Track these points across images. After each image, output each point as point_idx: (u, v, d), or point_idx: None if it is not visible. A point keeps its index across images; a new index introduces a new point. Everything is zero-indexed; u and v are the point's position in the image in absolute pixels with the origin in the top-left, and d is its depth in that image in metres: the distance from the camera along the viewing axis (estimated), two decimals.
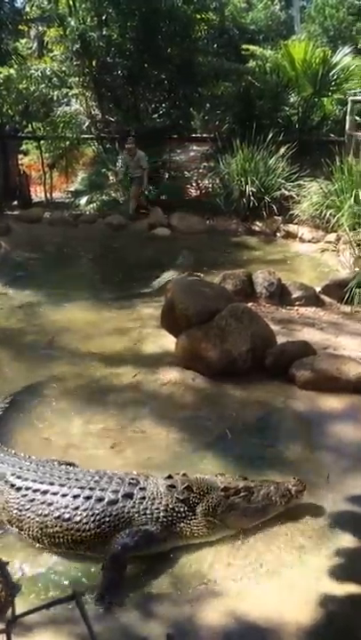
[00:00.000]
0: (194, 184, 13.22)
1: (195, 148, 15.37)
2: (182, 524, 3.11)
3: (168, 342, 5.68)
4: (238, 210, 11.34)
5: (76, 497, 3.15)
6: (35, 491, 3.23)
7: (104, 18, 12.95)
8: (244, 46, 15.61)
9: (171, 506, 3.13)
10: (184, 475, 3.35)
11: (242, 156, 11.52)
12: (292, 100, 13.55)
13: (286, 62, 13.19)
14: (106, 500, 3.11)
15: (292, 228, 10.71)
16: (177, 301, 5.60)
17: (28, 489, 3.26)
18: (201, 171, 13.61)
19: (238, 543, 3.14)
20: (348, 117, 12.48)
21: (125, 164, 11.84)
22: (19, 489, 3.28)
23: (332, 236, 9.57)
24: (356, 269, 7.16)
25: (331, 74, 13.16)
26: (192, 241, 10.50)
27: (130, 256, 9.82)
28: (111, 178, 12.35)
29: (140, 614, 2.71)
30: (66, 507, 3.12)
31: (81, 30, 12.74)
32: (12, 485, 3.31)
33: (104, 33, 13.02)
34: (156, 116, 13.47)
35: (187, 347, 5.35)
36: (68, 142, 13.17)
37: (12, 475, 3.38)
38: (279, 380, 5.01)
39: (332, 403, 4.67)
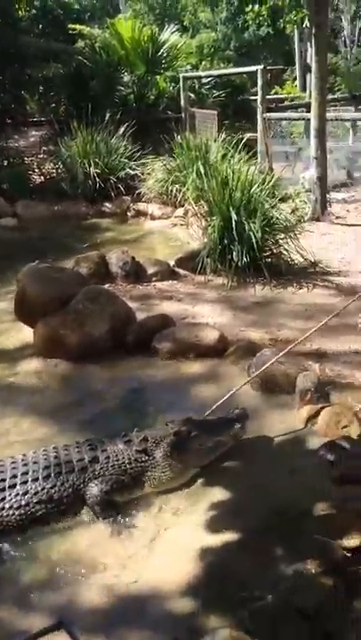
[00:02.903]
0: (37, 170, 12.74)
1: (34, 132, 14.82)
2: (149, 473, 3.37)
3: (26, 334, 5.49)
4: (85, 192, 11.13)
5: (46, 477, 3.21)
6: (1, 490, 3.17)
7: None
8: (71, 26, 15.30)
9: (133, 457, 3.40)
10: (137, 430, 3.59)
11: (82, 138, 11.29)
12: (125, 79, 13.55)
13: (115, 41, 13.17)
14: (76, 469, 3.28)
15: (141, 206, 10.76)
16: (29, 290, 5.42)
17: None
18: (42, 156, 13.16)
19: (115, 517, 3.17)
20: (181, 94, 12.84)
21: None
22: None
23: (180, 211, 9.79)
24: (205, 240, 7.41)
25: (160, 52, 13.38)
26: (41, 228, 10.16)
27: None
28: None
29: (19, 607, 2.63)
30: (43, 489, 3.18)
31: None
32: None
33: None
34: None
35: (45, 335, 5.21)
36: None
37: None
38: (142, 355, 5.06)
39: (195, 368, 4.83)
